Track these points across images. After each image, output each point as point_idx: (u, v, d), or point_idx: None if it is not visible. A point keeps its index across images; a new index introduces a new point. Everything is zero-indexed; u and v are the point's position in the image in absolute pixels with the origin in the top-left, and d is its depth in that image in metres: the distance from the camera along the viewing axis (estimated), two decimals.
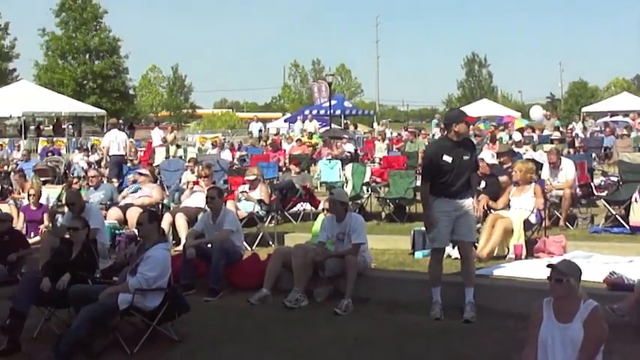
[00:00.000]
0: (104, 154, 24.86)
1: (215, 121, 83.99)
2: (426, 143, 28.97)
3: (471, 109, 52.72)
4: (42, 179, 20.76)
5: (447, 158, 9.45)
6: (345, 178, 19.90)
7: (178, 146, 33.07)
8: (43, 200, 16.51)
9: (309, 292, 10.76)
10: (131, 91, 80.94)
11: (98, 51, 73.36)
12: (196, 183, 16.47)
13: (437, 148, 9.89)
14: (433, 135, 37.28)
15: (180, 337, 9.01)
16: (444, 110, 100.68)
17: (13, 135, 47.72)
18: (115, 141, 23.81)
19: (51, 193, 17.79)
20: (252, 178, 15.67)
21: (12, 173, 22.60)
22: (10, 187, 20.87)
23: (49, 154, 29.23)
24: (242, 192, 15.54)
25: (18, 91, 44.13)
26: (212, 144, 34.84)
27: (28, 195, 16.26)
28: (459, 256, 10.29)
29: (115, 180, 20.96)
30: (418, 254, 12.70)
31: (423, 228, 11.64)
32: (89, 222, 10.45)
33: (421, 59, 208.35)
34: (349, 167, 19.74)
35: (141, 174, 17.04)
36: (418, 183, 18.11)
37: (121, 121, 42.41)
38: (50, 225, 14.72)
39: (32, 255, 13.06)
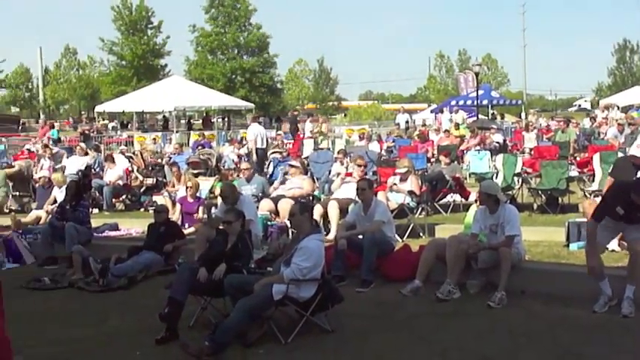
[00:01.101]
0: (252, 148, 25.31)
1: (361, 113, 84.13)
2: (577, 133, 28.22)
3: (623, 97, 51.07)
4: (194, 172, 21.30)
5: (620, 210, 9.15)
6: (496, 169, 19.57)
7: (323, 137, 33.26)
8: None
9: (462, 285, 10.61)
10: (278, 85, 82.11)
11: (247, 47, 74.73)
12: (349, 174, 16.51)
13: (613, 200, 9.47)
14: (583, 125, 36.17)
15: (333, 328, 9.02)
16: (593, 98, 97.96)
17: (164, 129, 49.10)
18: (259, 134, 24.37)
19: (204, 186, 18.21)
20: (403, 170, 15.58)
21: (165, 166, 23.25)
22: (164, 180, 21.47)
23: (200, 147, 29.91)
24: (393, 184, 15.48)
25: (170, 86, 45.25)
26: (359, 136, 34.87)
27: (186, 187, 16.66)
28: (617, 249, 9.93)
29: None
30: (573, 246, 12.35)
31: (578, 219, 11.29)
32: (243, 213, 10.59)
33: (569, 47, 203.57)
34: (500, 158, 19.39)
35: (292, 166, 17.18)
36: (572, 173, 17.69)
37: (261, 115, 43.11)
38: (205, 216, 15.03)
39: (187, 246, 13.40)
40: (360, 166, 16.13)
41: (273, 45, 77.45)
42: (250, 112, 47.94)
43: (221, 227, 10.47)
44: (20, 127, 71.84)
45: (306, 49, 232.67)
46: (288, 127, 43.72)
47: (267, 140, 25.85)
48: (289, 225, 13.43)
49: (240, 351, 8.44)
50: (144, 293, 11.69)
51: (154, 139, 38.66)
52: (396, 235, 13.04)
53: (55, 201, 17.64)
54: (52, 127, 35.27)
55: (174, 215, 15.97)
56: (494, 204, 10.79)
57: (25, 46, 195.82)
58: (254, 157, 24.86)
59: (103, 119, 52.71)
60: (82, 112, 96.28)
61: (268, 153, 25.73)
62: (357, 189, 12.54)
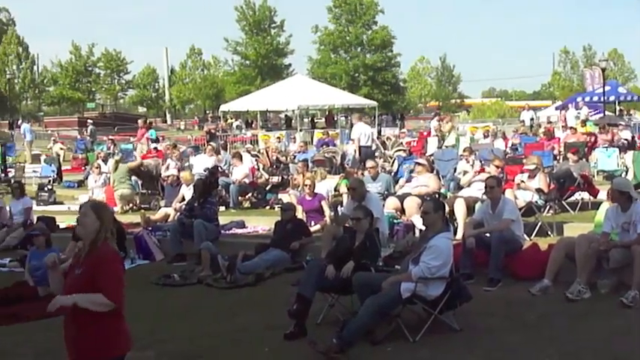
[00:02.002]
0: (356, 146, 25.35)
1: (484, 111, 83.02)
2: None
3: None
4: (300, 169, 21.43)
5: None
6: (625, 166, 19.02)
7: (456, 135, 32.92)
8: (322, 190, 16.97)
9: (592, 284, 10.33)
10: (401, 83, 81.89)
11: (370, 45, 74.77)
12: (482, 170, 16.32)
13: None
14: None
15: (461, 326, 8.92)
16: None
17: (288, 127, 49.52)
18: (363, 133, 24.44)
19: (328, 184, 18.27)
20: (532, 167, 15.27)
21: (290, 164, 23.46)
22: (289, 178, 21.65)
23: (325, 145, 30.06)
24: (520, 181, 15.20)
25: (293, 85, 45.65)
26: (483, 134, 34.42)
27: (304, 185, 16.76)
28: None
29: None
30: None
31: None
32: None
33: None
34: (629, 155, 18.91)
35: (418, 164, 17.07)
36: None
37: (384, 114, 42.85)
38: (332, 214, 15.07)
39: (314, 243, 13.48)
40: (497, 167, 15.95)
41: (400, 46, 77.34)
42: (373, 110, 47.93)
43: (348, 225, 10.48)
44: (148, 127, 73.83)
45: (429, 46, 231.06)
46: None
47: (372, 138, 25.86)
48: (416, 223, 13.36)
49: (367, 348, 8.42)
50: (271, 290, 11.80)
51: (278, 137, 39.06)
52: (524, 234, 12.80)
53: (183, 199, 17.99)
54: (150, 127, 36.03)
55: (298, 214, 16.10)
56: (627, 201, 10.47)
57: (151, 47, 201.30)
58: (357, 155, 24.83)
59: (230, 118, 53.42)
60: (207, 112, 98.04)
61: (392, 151, 25.66)
62: (485, 187, 12.38)
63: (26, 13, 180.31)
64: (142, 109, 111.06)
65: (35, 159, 34.52)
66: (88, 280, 5.37)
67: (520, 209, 13.42)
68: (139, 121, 39.73)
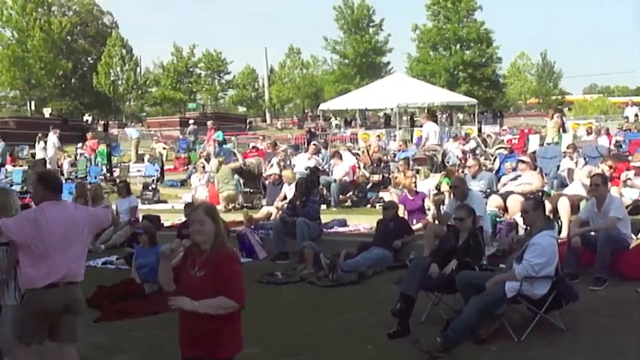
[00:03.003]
0: (422, 143, 25.20)
1: (587, 107, 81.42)
2: None
3: None
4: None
5: None
6: None
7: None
8: (424, 189, 16.91)
9: None
10: (501, 80, 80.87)
11: (469, 40, 74.08)
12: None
13: None
14: None
15: (567, 326, 8.80)
16: None
17: (387, 126, 49.36)
18: (434, 131, 24.39)
19: (430, 182, 18.20)
20: (639, 164, 14.94)
21: (391, 162, 23.43)
22: (389, 176, 21.63)
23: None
24: (627, 178, 14.89)
25: (392, 83, 45.42)
26: (586, 130, 33.71)
27: (405, 185, 16.72)
28: None
29: None
30: None
31: None
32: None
33: None
34: None
35: (522, 161, 16.86)
36: None
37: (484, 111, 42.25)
38: (435, 212, 15.01)
39: (416, 242, 13.44)
40: (610, 167, 15.66)
41: (498, 42, 76.26)
42: (473, 108, 47.49)
43: (451, 224, 10.44)
44: (248, 126, 74.75)
45: (529, 42, 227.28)
46: None
47: (441, 137, 25.83)
48: (519, 221, 13.20)
49: (472, 348, 8.38)
50: (373, 288, 11.82)
51: (378, 136, 39.02)
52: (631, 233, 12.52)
53: (285, 197, 18.15)
54: (217, 129, 36.47)
55: (399, 213, 16.07)
56: None
57: (251, 47, 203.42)
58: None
59: (330, 117, 53.75)
60: (306, 111, 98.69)
61: (494, 149, 25.40)
62: (591, 184, 12.16)
63: (129, 15, 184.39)
64: (241, 109, 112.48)
65: (139, 159, 35.28)
66: (210, 283, 5.46)
67: (627, 207, 13.14)
68: (209, 123, 40.27)
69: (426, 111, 55.23)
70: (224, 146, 35.70)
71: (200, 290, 5.45)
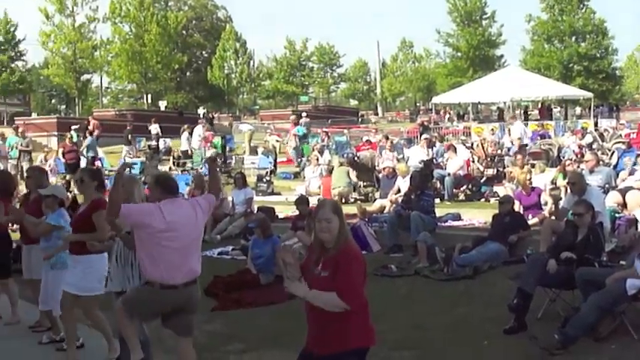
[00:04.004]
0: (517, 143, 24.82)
1: None
2: None
3: None
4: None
5: None
6: None
7: None
8: (540, 184, 16.68)
9: None
10: (617, 72, 78.85)
11: (583, 32, 72.49)
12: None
13: None
14: None
15: None
16: None
17: (500, 119, 48.76)
18: (523, 130, 24.06)
19: (545, 177, 17.93)
20: None
21: (506, 157, 23.19)
22: (504, 171, 21.41)
23: (540, 137, 29.48)
24: None
25: (505, 76, 44.85)
26: None
27: (519, 182, 16.52)
28: None
29: None
30: None
31: None
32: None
33: None
34: None
35: None
36: None
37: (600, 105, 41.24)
38: (552, 208, 14.77)
39: (532, 237, 13.26)
40: None
41: (612, 31, 74.30)
42: (588, 101, 46.48)
43: (568, 219, 10.28)
44: (360, 119, 74.86)
45: None
46: None
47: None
48: (638, 217, 12.90)
49: (590, 345, 8.27)
50: (489, 283, 11.73)
51: (492, 129, 38.58)
52: None
53: (398, 190, 18.14)
54: (297, 123, 36.50)
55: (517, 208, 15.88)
56: None
57: (363, 40, 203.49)
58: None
59: (447, 111, 53.49)
60: (418, 104, 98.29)
61: (611, 143, 24.86)
62: None
63: (243, 9, 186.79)
64: (353, 102, 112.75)
65: (252, 151, 35.71)
66: (331, 281, 5.44)
67: None
68: (291, 117, 40.42)
69: (539, 105, 54.54)
70: (337, 139, 35.87)
71: (324, 290, 5.42)
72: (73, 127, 36.81)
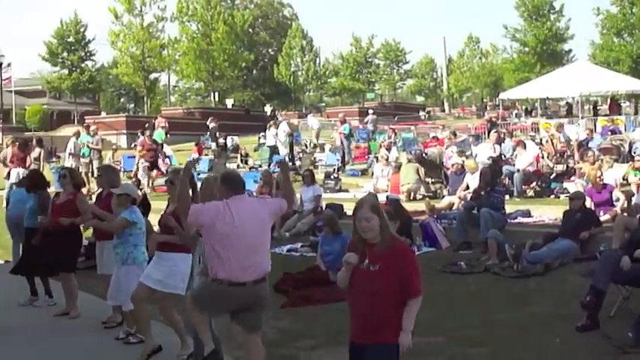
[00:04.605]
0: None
1: None
2: None
3: None
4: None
5: None
6: None
7: None
8: (610, 180, 16.47)
9: None
10: None
11: None
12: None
13: None
14: None
15: None
16: None
17: (568, 115, 48.13)
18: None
19: (616, 173, 17.71)
20: None
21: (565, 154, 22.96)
22: (574, 167, 21.17)
23: (611, 132, 29.04)
24: None
25: (574, 71, 44.21)
26: None
27: (589, 179, 16.34)
28: None
29: None
30: None
31: None
32: None
33: None
34: None
35: None
36: None
37: None
38: (625, 204, 14.61)
39: (604, 233, 13.09)
40: None
41: None
42: None
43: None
44: (427, 116, 74.58)
45: None
46: None
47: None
48: None
49: None
50: (560, 280, 11.61)
51: (561, 125, 38.07)
52: None
53: (467, 187, 18.06)
54: (344, 122, 36.44)
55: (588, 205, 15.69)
56: None
57: (430, 37, 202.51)
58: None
59: (517, 106, 52.95)
60: (485, 100, 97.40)
61: None
62: None
63: (309, 7, 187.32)
64: (419, 99, 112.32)
65: (320, 148, 35.85)
66: (385, 276, 5.58)
67: None
68: (340, 115, 40.36)
69: (608, 100, 53.70)
70: (404, 135, 35.82)
71: (375, 284, 5.60)
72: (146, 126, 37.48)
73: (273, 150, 31.41)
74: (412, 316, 5.61)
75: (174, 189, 8.43)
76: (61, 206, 11.04)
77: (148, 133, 31.48)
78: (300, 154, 33.20)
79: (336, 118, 54.92)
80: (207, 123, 44.07)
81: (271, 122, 36.04)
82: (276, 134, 31.51)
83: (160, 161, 28.87)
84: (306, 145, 33.99)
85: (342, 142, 33.14)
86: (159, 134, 35.56)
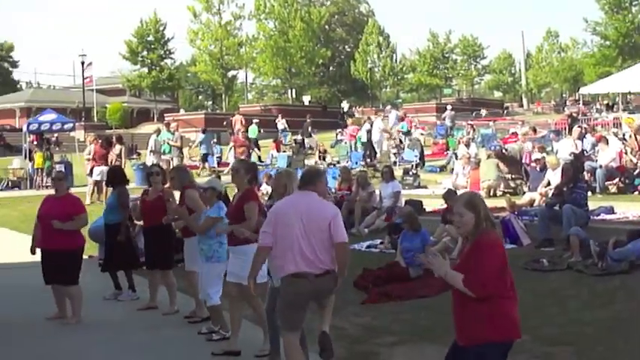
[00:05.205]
0: None
1: None
2: None
3: None
4: None
5: None
6: None
7: None
8: None
9: None
10: None
11: None
12: None
13: None
14: None
15: None
16: None
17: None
18: None
19: None
20: None
21: None
22: None
23: None
24: None
25: None
26: None
27: None
28: None
29: None
30: None
31: None
32: None
33: None
34: None
35: None
36: None
37: None
38: None
39: None
40: None
41: None
42: None
43: None
44: (505, 111, 73.86)
45: None
46: None
47: None
48: None
49: None
50: None
51: None
52: None
53: (548, 183, 17.80)
54: (403, 119, 36.19)
55: None
56: None
57: (508, 31, 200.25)
58: None
59: (599, 102, 52.03)
60: (564, 95, 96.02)
61: None
62: None
63: (385, 3, 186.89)
64: (497, 94, 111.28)
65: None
66: (465, 270, 5.58)
67: None
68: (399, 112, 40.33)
69: None
70: (483, 131, 35.54)
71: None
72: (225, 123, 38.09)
73: (368, 146, 31.52)
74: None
75: (239, 177, 8.94)
76: (151, 203, 11.28)
77: (242, 130, 32.04)
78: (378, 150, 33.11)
79: (413, 114, 54.83)
80: (276, 121, 44.51)
81: (365, 117, 36.14)
82: (369, 130, 31.59)
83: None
84: (400, 141, 33.79)
85: (400, 141, 33.05)
86: (253, 129, 36.09)
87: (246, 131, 34.81)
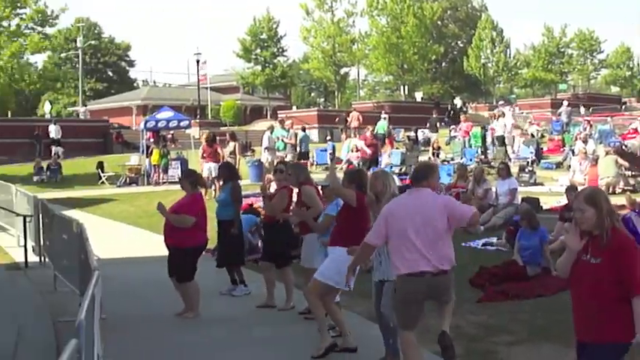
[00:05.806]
0: None
1: None
2: None
3: None
4: None
5: None
6: None
7: None
8: None
9: None
10: None
11: None
12: None
13: None
14: None
15: None
16: None
17: None
18: None
19: None
20: None
21: None
22: None
23: None
24: None
25: None
26: None
27: None
28: None
29: None
30: None
31: None
32: None
33: None
34: None
35: None
36: None
37: None
38: None
39: None
40: None
41: None
42: None
43: None
44: (623, 107, 71.98)
45: None
46: None
47: None
48: None
49: None
50: None
51: None
52: None
53: None
54: (467, 120, 35.62)
55: None
56: None
57: (625, 25, 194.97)
58: None
59: None
60: None
61: None
62: None
63: None
64: (614, 89, 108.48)
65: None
66: (606, 271, 5.43)
67: None
68: (495, 111, 39.40)
69: None
70: (600, 127, 34.78)
71: (594, 277, 5.47)
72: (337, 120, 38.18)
73: (502, 141, 31.37)
74: (637, 316, 5.37)
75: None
76: (272, 199, 11.43)
77: (370, 128, 32.22)
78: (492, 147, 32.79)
79: (528, 111, 53.99)
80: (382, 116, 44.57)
81: (494, 112, 35.85)
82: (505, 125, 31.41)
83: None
84: (533, 135, 33.43)
85: (493, 139, 32.60)
86: (382, 125, 36.15)
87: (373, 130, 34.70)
